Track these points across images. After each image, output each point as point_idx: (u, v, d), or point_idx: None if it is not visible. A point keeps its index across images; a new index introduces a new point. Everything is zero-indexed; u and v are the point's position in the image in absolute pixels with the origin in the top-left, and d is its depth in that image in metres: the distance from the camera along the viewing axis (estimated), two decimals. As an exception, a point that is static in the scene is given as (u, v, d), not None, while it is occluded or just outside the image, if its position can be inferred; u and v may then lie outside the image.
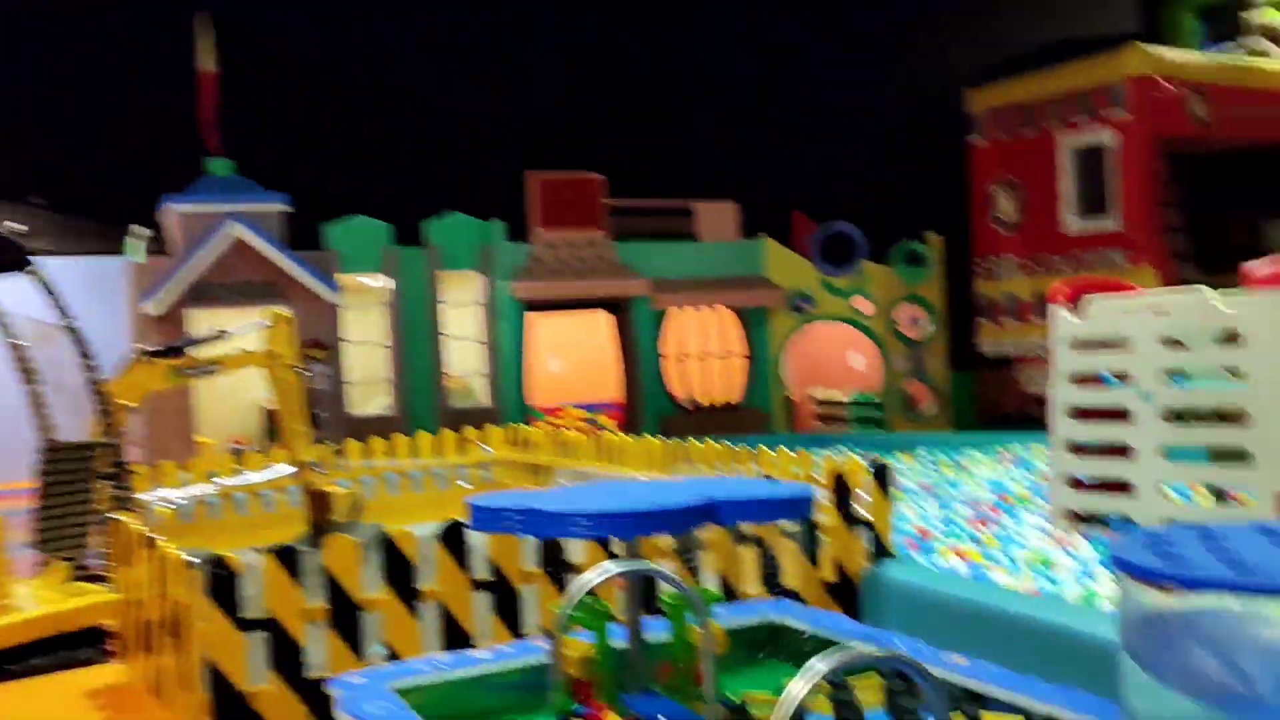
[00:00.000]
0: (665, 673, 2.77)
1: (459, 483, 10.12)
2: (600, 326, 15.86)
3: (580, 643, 2.75)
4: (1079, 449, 7.51)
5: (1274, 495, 6.21)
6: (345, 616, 4.08)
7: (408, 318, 14.21)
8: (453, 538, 4.27)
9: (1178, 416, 6.99)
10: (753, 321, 16.13)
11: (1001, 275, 15.96)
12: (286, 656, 3.97)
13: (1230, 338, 7.22)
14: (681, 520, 2.50)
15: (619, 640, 2.75)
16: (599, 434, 9.37)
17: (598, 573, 2.30)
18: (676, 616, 2.78)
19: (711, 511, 2.57)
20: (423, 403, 14.14)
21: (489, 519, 2.58)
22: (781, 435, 15.46)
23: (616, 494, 2.73)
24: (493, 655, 2.95)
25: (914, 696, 2.61)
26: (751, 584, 5.51)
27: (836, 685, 2.73)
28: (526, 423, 13.26)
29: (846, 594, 5.73)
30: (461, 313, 14.76)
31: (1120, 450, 7.28)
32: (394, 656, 3.95)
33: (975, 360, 16.51)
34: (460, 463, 10.19)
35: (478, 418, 13.47)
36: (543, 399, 15.65)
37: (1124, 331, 7.18)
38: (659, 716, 2.33)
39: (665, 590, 2.68)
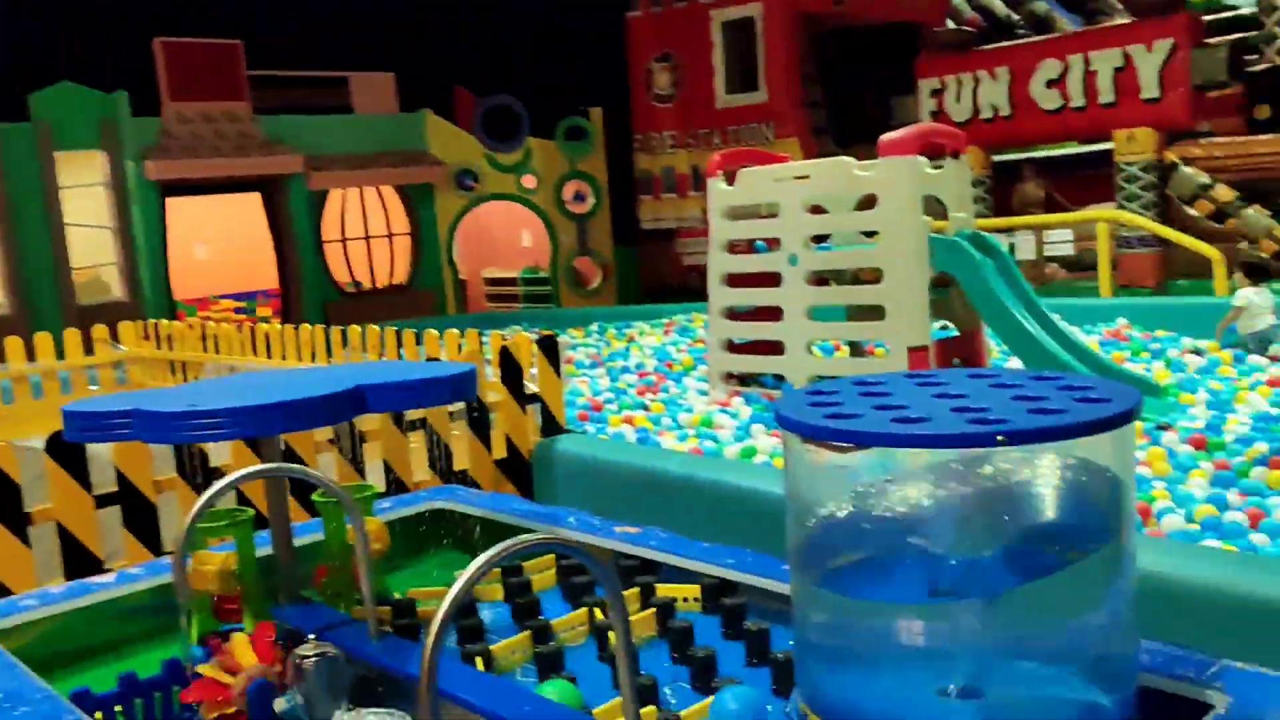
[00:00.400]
0: (320, 578, 2.53)
1: (91, 387, 9.09)
2: (251, 209, 14.71)
3: (218, 555, 2.45)
4: (735, 315, 7.83)
5: (906, 348, 6.75)
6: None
7: (17, 204, 12.46)
8: (65, 449, 3.74)
9: (821, 279, 7.43)
10: (418, 200, 15.57)
11: (660, 150, 16.29)
12: None
13: (867, 203, 7.71)
14: (326, 411, 2.24)
15: (266, 548, 2.49)
16: (251, 325, 8.72)
17: (228, 480, 2.01)
18: (331, 516, 2.53)
19: (361, 399, 2.32)
20: (45, 299, 12.58)
21: (90, 426, 2.19)
22: (453, 317, 15.20)
23: (251, 387, 2.42)
24: (116, 579, 2.58)
25: (586, 574, 2.55)
26: (421, 472, 5.32)
27: (508, 571, 2.61)
28: (176, 318, 12.17)
29: (520, 472, 5.68)
30: (85, 197, 13.14)
31: (771, 312, 7.66)
32: (3, 593, 3.43)
33: (638, 234, 16.89)
34: (89, 364, 9.11)
35: (113, 314, 12.17)
36: (190, 291, 14.42)
37: (772, 198, 7.48)
38: (308, 626, 2.11)
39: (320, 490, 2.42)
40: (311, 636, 1.78)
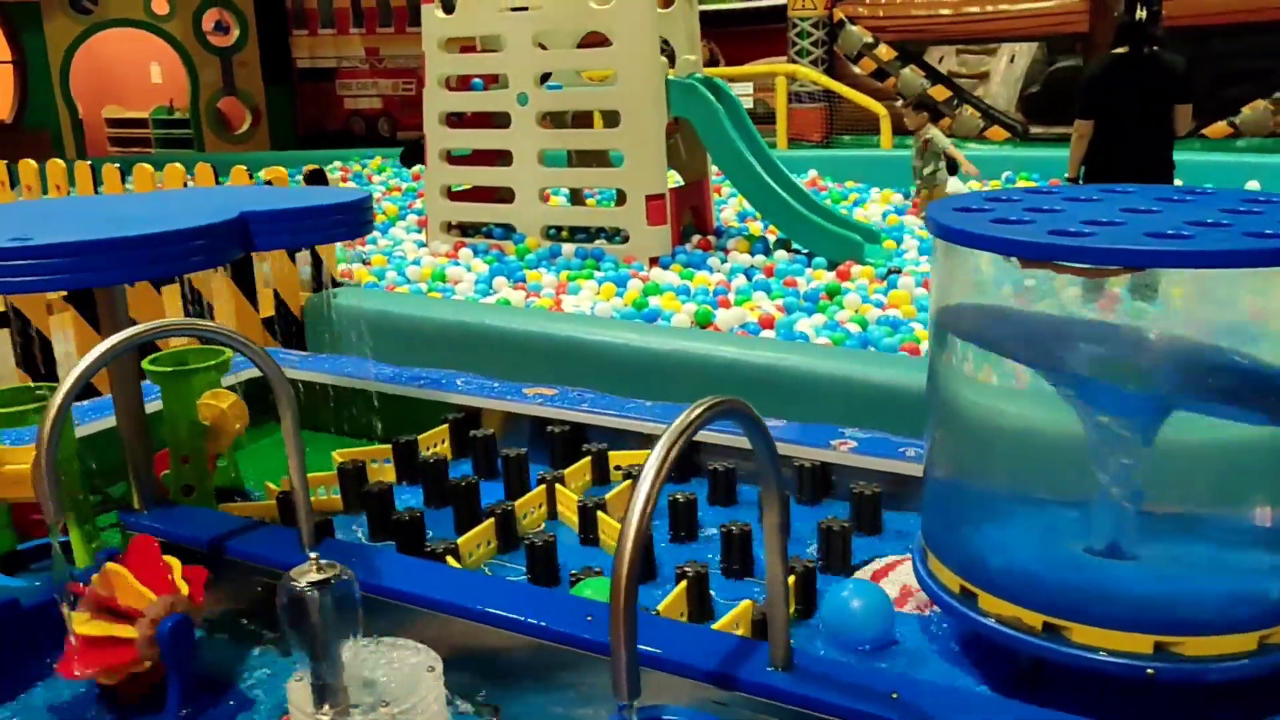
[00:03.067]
0: (160, 471, 1.95)
1: None
2: None
3: (23, 449, 1.80)
4: (453, 159, 7.25)
5: (644, 195, 6.56)
6: None
7: None
8: None
9: (553, 120, 7.02)
10: (21, 23, 13.13)
11: (315, -21, 14.77)
12: None
13: (591, 41, 7.32)
14: (209, 248, 1.64)
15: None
16: None
17: (109, 345, 1.41)
18: (176, 391, 1.94)
19: (246, 233, 1.73)
20: None
21: None
22: (71, 162, 13.12)
23: (90, 217, 1.74)
24: None
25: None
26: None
27: (407, 448, 2.14)
28: None
29: (291, 330, 4.85)
30: None
31: (494, 156, 7.17)
32: None
33: (293, 74, 15.36)
34: None
35: None
36: None
37: (496, 30, 6.90)
38: (195, 536, 1.59)
39: None
40: (313, 555, 1.28)
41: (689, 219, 7.11)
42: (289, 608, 1.28)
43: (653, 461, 1.01)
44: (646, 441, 2.12)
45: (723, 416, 1.10)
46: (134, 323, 1.56)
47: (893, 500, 1.86)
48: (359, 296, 4.62)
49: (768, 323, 5.10)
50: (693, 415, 1.06)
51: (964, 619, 1.36)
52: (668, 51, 6.83)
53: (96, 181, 6.22)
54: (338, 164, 11.83)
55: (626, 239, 6.67)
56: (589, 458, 2.08)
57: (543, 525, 1.95)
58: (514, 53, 6.76)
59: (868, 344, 4.77)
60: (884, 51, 12.06)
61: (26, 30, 13.17)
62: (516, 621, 1.39)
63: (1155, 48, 4.65)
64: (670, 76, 6.57)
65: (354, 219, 1.84)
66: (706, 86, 6.70)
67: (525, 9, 6.72)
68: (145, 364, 1.98)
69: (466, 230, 7.27)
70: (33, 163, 6.54)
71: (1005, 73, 12.89)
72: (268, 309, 4.53)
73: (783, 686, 1.26)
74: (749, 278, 6.03)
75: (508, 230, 7.06)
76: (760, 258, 6.48)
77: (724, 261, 6.40)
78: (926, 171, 7.57)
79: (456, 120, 7.18)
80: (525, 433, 2.29)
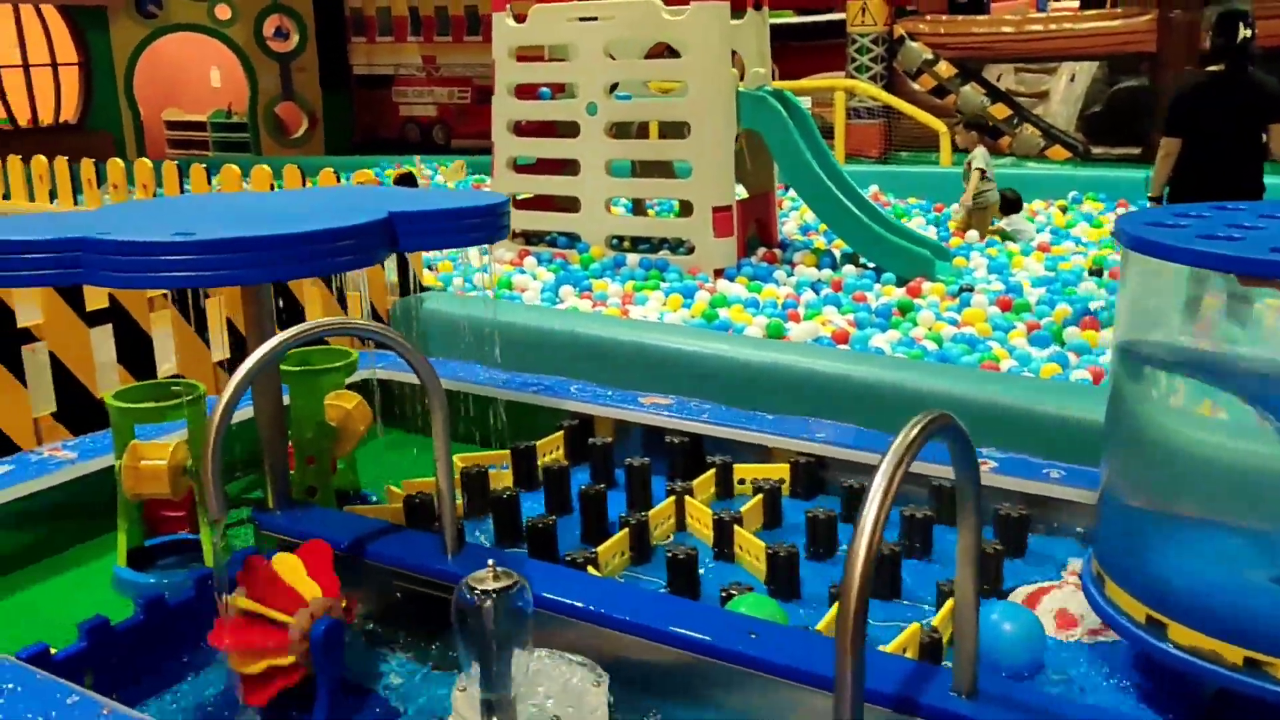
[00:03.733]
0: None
1: None
2: None
3: (161, 445, 1.79)
4: (521, 167, 7.27)
5: (711, 207, 6.53)
6: None
7: None
8: None
9: (617, 130, 7.00)
10: (87, 25, 13.33)
11: (375, -13, 14.91)
12: None
13: (660, 51, 7.32)
14: (359, 249, 1.62)
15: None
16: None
17: (281, 340, 1.40)
18: (304, 390, 1.93)
19: (392, 235, 1.72)
20: None
21: (16, 265, 1.45)
22: (132, 163, 13.29)
23: (242, 213, 1.73)
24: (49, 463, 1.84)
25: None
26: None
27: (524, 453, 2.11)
28: None
29: None
30: None
31: (558, 165, 7.17)
32: None
33: (350, 80, 15.49)
34: None
35: None
36: None
37: (567, 40, 6.90)
38: (341, 539, 1.57)
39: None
40: (491, 562, 1.26)
41: (753, 231, 7.07)
42: (464, 615, 1.25)
43: (879, 484, 0.97)
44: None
45: (937, 435, 1.06)
46: (274, 328, 1.55)
47: (1038, 523, 1.81)
48: (447, 302, 4.60)
49: (841, 338, 5.04)
50: (911, 434, 1.02)
51: (1151, 649, 1.31)
52: (736, 63, 6.80)
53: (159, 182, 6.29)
54: (408, 166, 11.75)
55: (691, 250, 6.64)
56: (713, 470, 2.04)
57: (671, 537, 1.91)
58: (585, 62, 6.76)
59: (945, 361, 4.71)
60: (944, 68, 11.98)
61: (92, 32, 13.37)
62: (684, 637, 1.36)
63: (1250, 67, 4.57)
64: (740, 89, 6.55)
65: (493, 222, 1.82)
66: (776, 99, 6.66)
67: (594, 19, 6.72)
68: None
69: (530, 238, 7.27)
70: (119, 161, 6.62)
71: (1065, 92, 12.76)
72: (355, 312, 4.53)
73: (968, 714, 1.21)
74: (817, 291, 5.98)
75: (572, 239, 7.05)
76: (827, 272, 6.42)
77: (790, 275, 6.36)
78: (975, 192, 7.55)
79: (521, 128, 7.19)
80: (638, 441, 2.26)
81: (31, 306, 2.86)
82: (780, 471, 2.00)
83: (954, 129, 8.27)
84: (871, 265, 6.44)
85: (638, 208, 7.80)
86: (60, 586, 1.76)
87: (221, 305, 3.82)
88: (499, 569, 1.25)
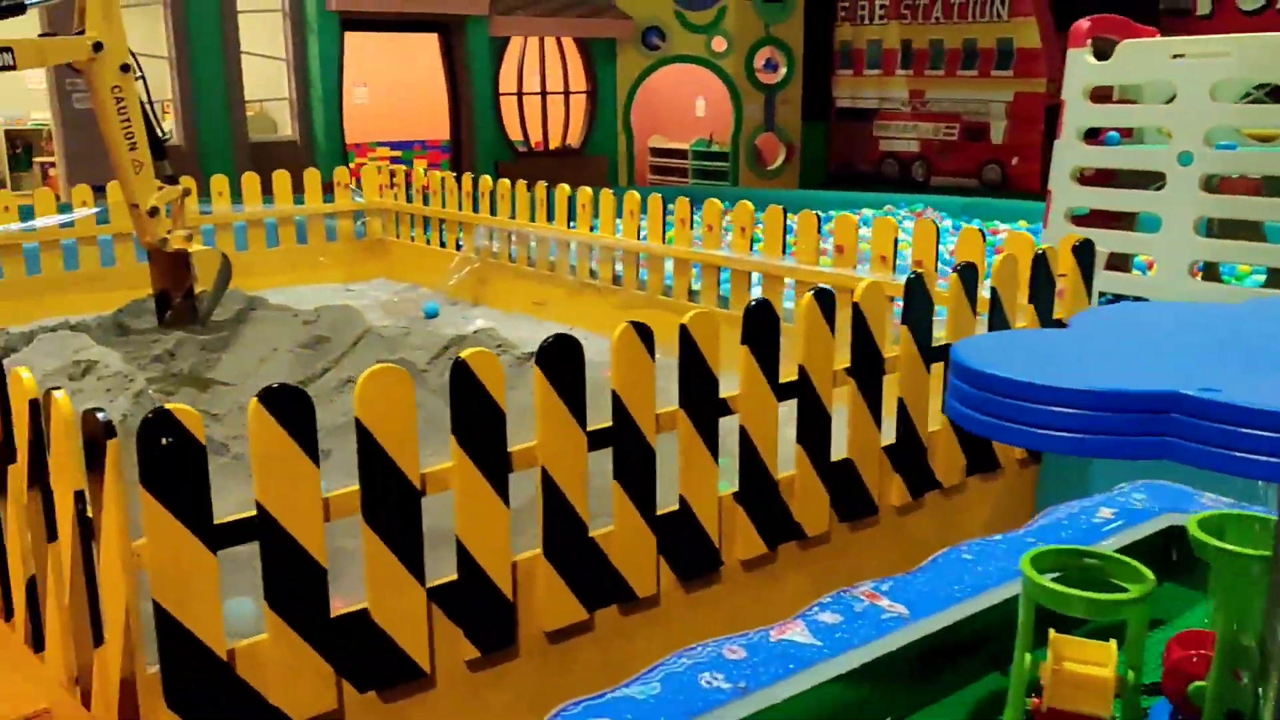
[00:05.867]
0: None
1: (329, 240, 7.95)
2: (422, 52, 13.49)
3: (1094, 648, 1.39)
4: (1080, 220, 6.55)
5: (1336, 279, 5.45)
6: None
7: (196, 24, 11.34)
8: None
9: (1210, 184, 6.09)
10: (598, 56, 14.22)
11: (867, 20, 14.69)
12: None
13: (1263, 96, 6.31)
14: None
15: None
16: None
17: None
18: (1231, 579, 1.44)
19: None
20: (216, 132, 11.57)
21: (990, 407, 1.09)
22: (622, 189, 13.98)
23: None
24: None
25: None
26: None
27: None
28: (346, 163, 11.12)
29: None
30: (261, 24, 12.02)
31: (1116, 218, 6.39)
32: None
33: (830, 112, 15.40)
34: (329, 210, 7.89)
35: (284, 154, 11.21)
36: (349, 135, 13.37)
37: (1160, 78, 6.11)
38: None
39: None
40: None
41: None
42: None
43: None
44: None
45: None
46: None
47: None
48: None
49: None
50: None
51: None
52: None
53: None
54: (860, 208, 11.37)
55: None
56: None
57: None
58: (1183, 105, 5.93)
59: None
60: None
61: (601, 63, 14.22)
62: None
63: None
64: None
65: None
66: None
67: (1225, 54, 5.87)
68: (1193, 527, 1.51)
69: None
70: (610, 193, 6.64)
71: None
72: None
73: None
74: None
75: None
76: None
77: None
78: None
79: (1087, 179, 6.47)
80: None
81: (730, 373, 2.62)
82: None
83: None
84: None
85: (1210, 272, 6.80)
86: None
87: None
88: None
